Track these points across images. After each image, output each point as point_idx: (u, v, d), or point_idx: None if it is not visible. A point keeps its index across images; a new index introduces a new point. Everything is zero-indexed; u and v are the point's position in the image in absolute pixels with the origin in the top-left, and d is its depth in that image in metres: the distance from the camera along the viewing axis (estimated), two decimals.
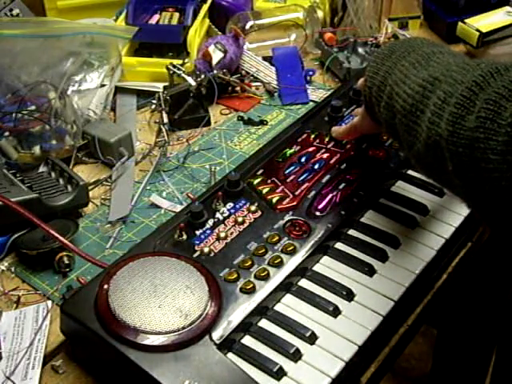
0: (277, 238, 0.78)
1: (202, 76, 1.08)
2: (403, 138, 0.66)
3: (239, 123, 1.10)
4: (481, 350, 1.33)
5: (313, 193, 0.84)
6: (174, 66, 1.09)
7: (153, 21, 1.23)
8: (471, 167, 0.57)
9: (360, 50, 1.20)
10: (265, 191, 0.83)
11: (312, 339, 0.69)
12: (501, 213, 0.58)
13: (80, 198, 0.90)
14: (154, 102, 1.06)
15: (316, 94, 1.16)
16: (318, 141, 0.92)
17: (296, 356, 0.67)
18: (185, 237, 0.76)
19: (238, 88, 1.15)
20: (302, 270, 0.76)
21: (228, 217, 0.80)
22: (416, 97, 0.63)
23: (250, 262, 0.74)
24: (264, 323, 0.71)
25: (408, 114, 0.64)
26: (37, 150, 0.96)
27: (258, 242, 0.77)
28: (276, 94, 1.17)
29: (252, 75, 1.18)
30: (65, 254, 0.82)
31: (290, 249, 0.76)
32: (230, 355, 0.67)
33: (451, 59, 0.65)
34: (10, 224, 0.84)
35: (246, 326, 0.70)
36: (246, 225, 0.79)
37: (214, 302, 0.69)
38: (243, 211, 0.81)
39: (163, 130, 1.00)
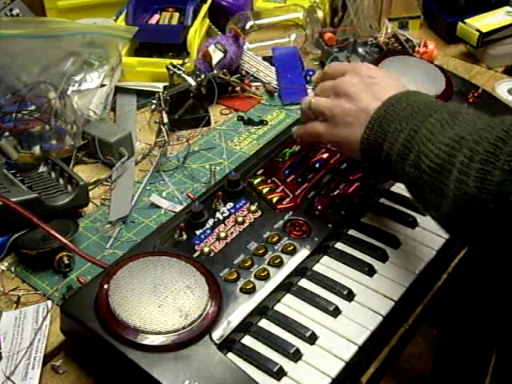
0: (277, 237, 0.78)
1: (202, 76, 1.08)
2: (429, 197, 0.65)
3: (239, 123, 1.10)
4: (481, 350, 1.33)
5: (313, 193, 0.84)
6: (174, 66, 1.09)
7: (153, 21, 1.23)
8: (504, 223, 0.56)
9: (360, 50, 1.20)
10: (265, 191, 0.83)
11: (312, 339, 0.69)
12: None
13: (80, 198, 0.90)
14: (154, 102, 1.06)
15: None
16: None
17: (296, 356, 0.67)
18: (185, 237, 0.76)
19: (238, 88, 1.15)
20: (302, 270, 0.76)
21: (228, 217, 0.80)
22: (443, 156, 0.62)
23: (250, 262, 0.74)
24: (264, 323, 0.71)
25: (435, 173, 0.63)
26: (37, 150, 0.96)
27: (258, 242, 0.77)
28: (276, 94, 1.17)
29: (252, 75, 1.18)
30: (65, 253, 0.82)
31: (290, 249, 0.76)
32: (230, 355, 0.67)
33: (476, 118, 0.64)
34: (9, 224, 0.83)
35: (246, 326, 0.70)
36: (246, 225, 0.79)
37: (214, 302, 0.69)
38: (243, 211, 0.81)
39: (163, 130, 1.00)
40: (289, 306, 0.73)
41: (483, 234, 0.60)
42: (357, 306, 0.73)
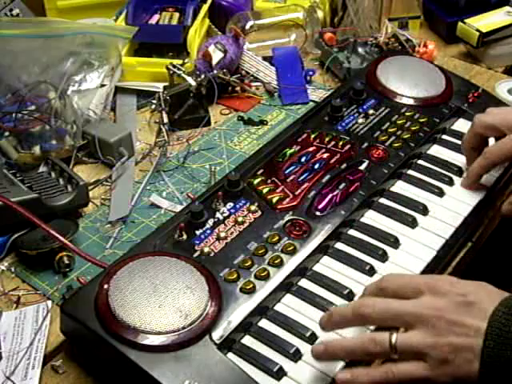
0: (277, 237, 0.78)
1: (202, 76, 1.08)
2: None
3: (239, 123, 1.10)
4: None
5: (313, 193, 0.84)
6: (174, 66, 1.09)
7: (153, 21, 1.23)
8: None
9: (360, 49, 1.20)
10: (265, 191, 0.83)
11: (312, 339, 0.69)
12: None
13: (80, 198, 0.90)
14: (154, 102, 1.06)
15: (316, 94, 1.16)
16: (317, 141, 0.92)
17: (296, 356, 0.67)
18: (185, 237, 0.76)
19: (237, 88, 1.15)
20: (302, 270, 0.76)
21: (228, 217, 0.80)
22: None
23: (250, 262, 0.74)
24: (264, 323, 0.71)
25: None
26: (37, 150, 0.96)
27: (258, 242, 0.77)
28: (276, 94, 1.17)
29: (252, 75, 1.18)
30: (65, 253, 0.82)
31: (290, 249, 0.77)
32: (230, 355, 0.67)
33: None
34: (9, 224, 0.83)
35: (246, 325, 0.70)
36: (246, 225, 0.79)
37: (214, 302, 0.69)
38: (243, 211, 0.81)
39: (163, 130, 1.00)
40: (289, 306, 0.73)
41: None
42: None
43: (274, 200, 0.82)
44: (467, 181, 0.87)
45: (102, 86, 1.09)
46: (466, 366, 0.59)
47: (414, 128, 0.95)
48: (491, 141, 0.87)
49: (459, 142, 0.94)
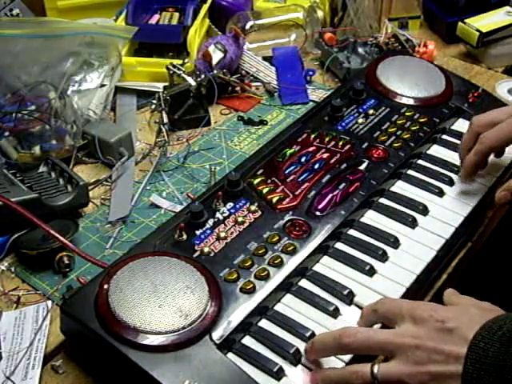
0: (277, 237, 0.78)
1: (202, 76, 1.08)
2: None
3: (239, 123, 1.10)
4: None
5: (313, 193, 0.84)
6: (174, 66, 1.09)
7: (153, 21, 1.23)
8: None
9: (360, 50, 1.20)
10: (265, 191, 0.83)
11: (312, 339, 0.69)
12: None
13: (80, 197, 0.90)
14: (154, 102, 1.06)
15: (316, 94, 1.16)
16: (317, 141, 0.92)
17: (296, 356, 0.67)
18: (185, 237, 0.76)
19: (238, 88, 1.15)
20: (302, 270, 0.76)
21: (228, 217, 0.80)
22: None
23: (250, 262, 0.74)
24: (264, 323, 0.71)
25: None
26: (37, 150, 0.96)
27: (258, 242, 0.77)
28: (276, 94, 1.17)
29: (252, 75, 1.18)
30: (65, 254, 0.82)
31: (290, 249, 0.77)
32: (230, 355, 0.67)
33: None
34: (9, 224, 0.83)
35: (246, 326, 0.70)
36: (246, 225, 0.79)
37: (214, 302, 0.69)
38: (243, 211, 0.81)
39: (163, 130, 1.00)
40: (289, 306, 0.73)
41: None
42: (357, 306, 0.73)
43: (274, 200, 0.82)
44: (464, 171, 0.87)
45: (102, 86, 1.09)
46: None
47: (413, 128, 0.95)
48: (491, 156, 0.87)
49: (459, 142, 0.94)
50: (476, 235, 0.88)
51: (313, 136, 0.93)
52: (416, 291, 0.76)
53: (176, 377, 0.63)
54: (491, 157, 0.87)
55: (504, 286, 1.20)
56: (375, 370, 0.61)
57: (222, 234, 0.77)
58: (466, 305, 0.65)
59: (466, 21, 1.24)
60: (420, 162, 0.92)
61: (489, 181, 0.89)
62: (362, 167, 0.88)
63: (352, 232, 0.82)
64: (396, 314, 0.65)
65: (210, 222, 0.79)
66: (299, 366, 0.67)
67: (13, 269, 0.84)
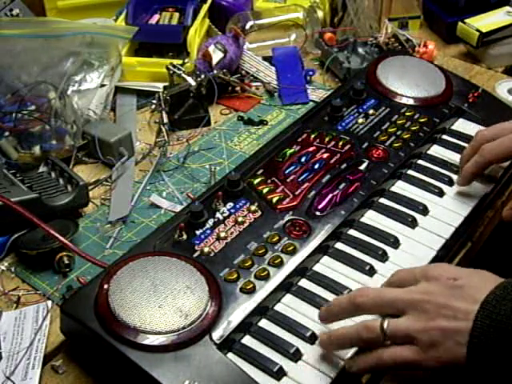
0: (277, 237, 0.78)
1: (202, 76, 1.08)
2: None
3: (239, 123, 1.10)
4: None
5: (313, 193, 0.84)
6: (174, 66, 1.09)
7: (153, 21, 1.23)
8: None
9: (360, 50, 1.20)
10: (265, 191, 0.83)
11: (312, 339, 0.69)
12: None
13: (80, 197, 0.90)
14: (154, 102, 1.06)
15: (316, 94, 1.16)
16: (317, 141, 0.92)
17: (296, 356, 0.67)
18: (185, 237, 0.76)
19: (238, 88, 1.15)
20: (302, 270, 0.76)
21: (228, 217, 0.80)
22: None
23: (250, 262, 0.74)
24: (264, 323, 0.71)
25: None
26: (37, 150, 0.96)
27: (258, 242, 0.77)
28: (276, 94, 1.17)
29: (252, 75, 1.18)
30: (65, 253, 0.82)
31: (290, 249, 0.77)
32: (230, 355, 0.67)
33: None
34: (9, 224, 0.83)
35: (246, 326, 0.70)
36: (246, 225, 0.79)
37: (214, 302, 0.69)
38: (243, 211, 0.81)
39: (163, 130, 1.00)
40: (289, 306, 0.73)
41: None
42: None
43: (274, 200, 0.82)
44: (462, 179, 0.87)
45: (102, 86, 1.09)
46: (454, 349, 0.60)
47: (414, 128, 0.95)
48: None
49: (459, 142, 0.94)
50: (476, 235, 0.87)
51: (313, 136, 0.93)
52: None
53: (176, 377, 0.63)
54: None
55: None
56: (385, 324, 0.63)
57: (222, 234, 0.77)
58: (479, 270, 0.66)
59: (466, 21, 1.24)
60: (420, 162, 0.92)
61: (489, 181, 0.88)
62: (362, 167, 0.88)
63: (352, 232, 0.82)
64: (409, 278, 0.66)
65: (210, 221, 0.79)
66: (300, 363, 0.67)
67: (13, 269, 0.84)
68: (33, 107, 0.99)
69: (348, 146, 0.91)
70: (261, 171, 0.86)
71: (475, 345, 0.59)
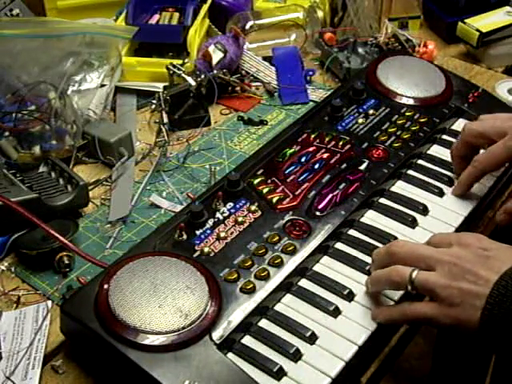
0: (277, 237, 0.78)
1: (202, 76, 1.08)
2: None
3: (239, 123, 1.10)
4: (481, 350, 1.33)
5: (313, 193, 0.84)
6: (174, 66, 1.09)
7: (153, 21, 1.23)
8: None
9: (360, 50, 1.20)
10: (265, 191, 0.83)
11: (312, 339, 0.69)
12: None
13: (80, 197, 0.90)
14: (154, 102, 1.06)
15: (316, 94, 1.16)
16: (317, 141, 0.92)
17: (296, 356, 0.67)
18: (185, 237, 0.77)
19: (238, 88, 1.15)
20: (302, 270, 0.76)
21: (228, 217, 0.80)
22: None
23: (250, 262, 0.74)
24: (264, 323, 0.71)
25: None
26: (37, 150, 0.96)
27: (258, 242, 0.77)
28: (276, 94, 1.17)
29: (252, 75, 1.18)
30: (65, 254, 0.82)
31: (290, 249, 0.77)
32: (230, 355, 0.67)
33: None
34: (9, 224, 0.83)
35: (246, 326, 0.70)
36: (246, 225, 0.79)
37: (214, 302, 0.69)
38: (243, 211, 0.81)
39: (163, 130, 1.00)
40: (289, 306, 0.73)
41: None
42: (357, 305, 0.73)
43: (274, 200, 0.82)
44: (458, 190, 0.87)
45: (102, 86, 1.09)
46: (470, 311, 0.64)
47: (413, 128, 0.95)
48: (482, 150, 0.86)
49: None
50: None
51: (313, 136, 0.93)
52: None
53: (176, 377, 0.63)
54: None
55: None
56: (414, 274, 0.67)
57: (222, 234, 0.77)
58: (510, 246, 0.69)
59: (466, 21, 1.24)
60: (420, 161, 0.92)
61: (488, 181, 0.89)
62: (362, 167, 0.88)
63: (352, 232, 0.82)
64: (444, 241, 0.71)
65: (210, 221, 0.79)
66: (300, 363, 0.67)
67: (13, 269, 0.84)
68: (33, 107, 0.99)
69: (348, 146, 0.91)
70: (261, 171, 0.86)
71: (489, 311, 0.63)
